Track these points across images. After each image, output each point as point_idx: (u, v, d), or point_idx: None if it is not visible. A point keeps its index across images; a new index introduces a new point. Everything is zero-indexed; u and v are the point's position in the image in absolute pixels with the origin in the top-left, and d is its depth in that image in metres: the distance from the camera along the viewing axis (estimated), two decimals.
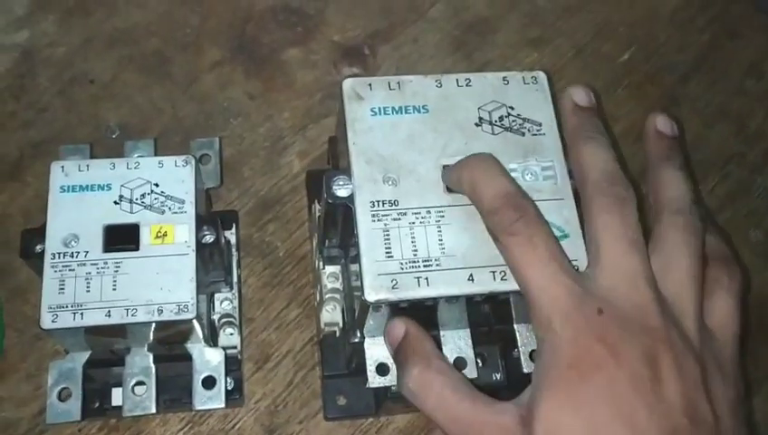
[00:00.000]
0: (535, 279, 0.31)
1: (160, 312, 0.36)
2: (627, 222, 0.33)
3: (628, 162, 0.55)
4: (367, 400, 0.43)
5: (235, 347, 0.44)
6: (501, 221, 0.32)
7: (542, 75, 0.39)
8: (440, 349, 0.39)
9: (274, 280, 0.49)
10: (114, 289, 0.36)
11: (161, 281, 0.37)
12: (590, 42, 0.61)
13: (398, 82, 0.38)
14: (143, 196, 0.39)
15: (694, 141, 0.58)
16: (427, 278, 0.34)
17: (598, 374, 0.29)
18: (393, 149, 0.36)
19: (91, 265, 0.37)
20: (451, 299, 0.34)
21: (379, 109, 0.37)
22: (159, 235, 0.38)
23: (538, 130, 0.37)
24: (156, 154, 0.43)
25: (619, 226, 0.32)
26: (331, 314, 0.43)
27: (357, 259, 0.36)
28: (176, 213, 0.38)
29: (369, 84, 0.38)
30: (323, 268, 0.42)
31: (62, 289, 0.36)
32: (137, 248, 0.38)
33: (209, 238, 0.38)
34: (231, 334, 0.44)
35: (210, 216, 0.42)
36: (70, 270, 0.37)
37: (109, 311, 0.36)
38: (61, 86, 0.54)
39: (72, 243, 0.37)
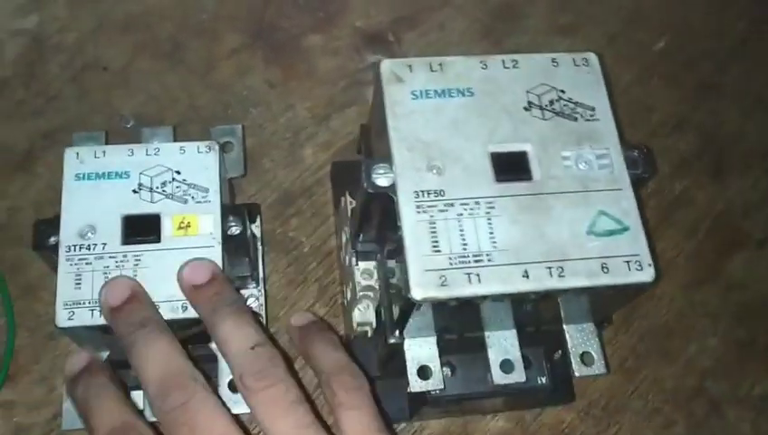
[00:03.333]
0: None
1: (184, 308, 0.34)
2: (200, 430, 0.30)
3: (666, 153, 0.53)
4: (400, 404, 0.41)
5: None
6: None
7: (593, 57, 0.36)
8: (485, 350, 0.37)
9: (299, 277, 0.47)
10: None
11: None
12: (623, 29, 0.58)
13: (440, 64, 0.35)
14: (164, 184, 0.36)
15: (733, 132, 0.55)
16: (478, 275, 0.31)
17: None
18: (437, 135, 0.34)
19: (110, 258, 0.34)
20: (503, 297, 0.32)
21: (421, 92, 0.34)
22: (182, 226, 0.35)
23: (591, 116, 0.35)
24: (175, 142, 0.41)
25: None
26: (364, 314, 0.40)
27: (398, 254, 0.33)
28: (199, 202, 0.36)
29: (409, 66, 0.35)
30: (356, 265, 0.39)
31: (79, 284, 0.34)
32: (158, 240, 0.35)
33: (236, 230, 0.36)
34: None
35: (235, 206, 0.39)
36: (86, 264, 0.34)
37: None
38: (72, 73, 0.51)
39: (89, 235, 0.35)
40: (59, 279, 0.34)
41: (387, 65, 0.35)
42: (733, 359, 0.49)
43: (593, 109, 0.35)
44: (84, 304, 0.33)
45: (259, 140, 0.50)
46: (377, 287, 0.39)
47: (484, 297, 0.31)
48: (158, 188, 0.36)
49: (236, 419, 0.31)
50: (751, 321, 0.50)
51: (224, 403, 0.31)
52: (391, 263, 0.38)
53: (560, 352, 0.41)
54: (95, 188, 0.36)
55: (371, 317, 0.40)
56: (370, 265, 0.40)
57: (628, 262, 0.32)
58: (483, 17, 0.57)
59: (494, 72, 0.35)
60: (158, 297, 0.34)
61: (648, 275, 0.32)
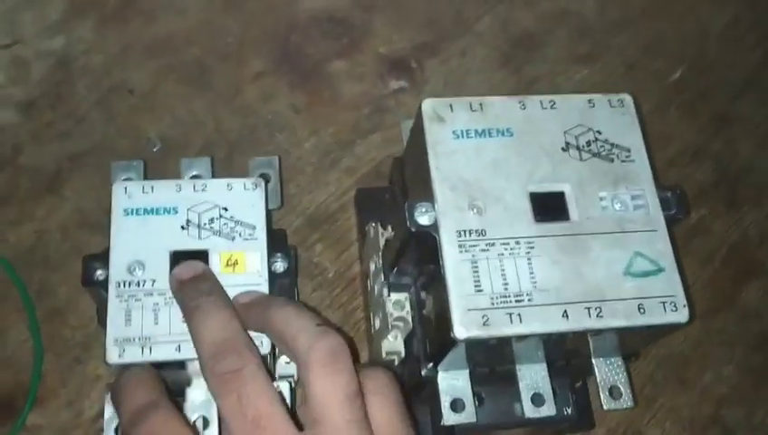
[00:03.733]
0: None
1: None
2: (246, 399, 0.30)
3: (683, 183, 0.54)
4: (428, 433, 0.41)
5: (291, 376, 0.41)
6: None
7: (628, 99, 0.37)
8: (514, 382, 0.37)
9: (323, 303, 0.47)
10: (185, 321, 0.34)
11: None
12: (640, 58, 0.59)
13: (480, 104, 0.36)
14: (211, 220, 0.37)
15: (748, 163, 0.56)
16: (519, 314, 0.32)
17: None
18: (478, 175, 0.34)
19: (159, 295, 0.35)
20: (543, 337, 0.32)
21: (462, 131, 0.35)
22: (230, 263, 0.36)
23: (627, 157, 0.35)
24: (213, 173, 0.41)
25: (236, 404, 0.30)
26: (393, 343, 0.41)
27: (431, 286, 0.34)
28: (246, 239, 0.36)
29: (450, 105, 0.36)
30: (388, 296, 0.40)
31: (129, 321, 0.34)
32: None
33: (281, 267, 0.36)
34: (288, 363, 0.41)
35: (280, 242, 0.39)
36: (136, 300, 0.35)
37: (179, 345, 0.34)
38: (99, 95, 0.51)
39: (138, 271, 0.35)
40: (109, 315, 0.34)
41: (428, 105, 0.35)
42: (748, 387, 0.49)
43: (629, 150, 0.36)
44: (135, 340, 0.34)
45: (284, 166, 0.51)
46: (407, 318, 0.40)
47: (525, 337, 0.32)
48: (205, 224, 0.37)
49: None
50: (766, 349, 0.51)
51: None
52: (423, 294, 0.39)
53: (581, 381, 0.42)
54: (144, 224, 0.36)
55: (400, 347, 0.40)
56: (402, 296, 0.40)
57: (663, 303, 0.33)
58: (502, 45, 0.58)
59: (533, 112, 0.36)
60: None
61: (683, 315, 0.33)
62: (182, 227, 0.36)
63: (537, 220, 0.34)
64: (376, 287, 0.42)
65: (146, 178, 0.40)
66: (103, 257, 0.36)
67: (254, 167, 0.42)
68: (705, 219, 0.54)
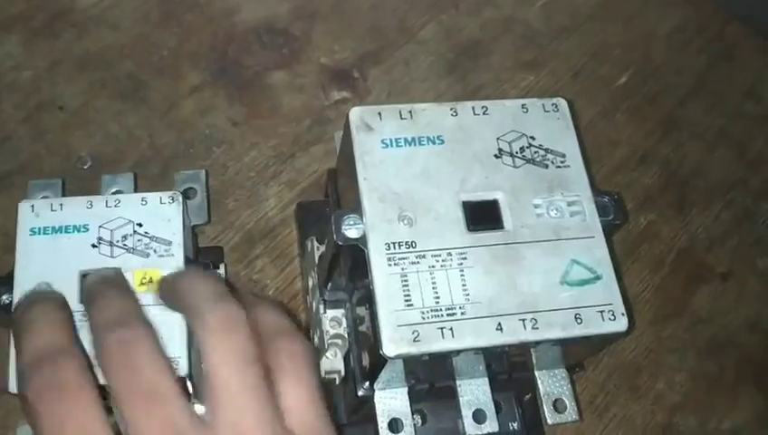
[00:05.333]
0: None
1: None
2: (136, 370, 0.26)
3: (631, 188, 0.54)
4: None
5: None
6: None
7: (563, 102, 0.36)
8: (456, 398, 0.36)
9: None
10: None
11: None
12: (586, 64, 0.58)
13: (410, 111, 0.35)
14: (125, 237, 0.35)
15: (696, 167, 0.56)
16: (451, 329, 0.30)
17: None
18: (408, 185, 0.33)
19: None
20: (477, 351, 0.31)
21: (391, 140, 0.34)
22: (144, 281, 0.34)
23: (562, 162, 0.34)
24: (136, 189, 0.40)
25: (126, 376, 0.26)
26: (332, 361, 0.39)
27: (367, 302, 0.33)
28: (162, 256, 0.34)
29: (379, 113, 0.34)
30: (324, 312, 0.39)
31: None
32: None
33: None
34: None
35: (200, 257, 0.38)
36: None
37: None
38: (26, 113, 0.49)
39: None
40: (12, 342, 0.32)
41: (356, 113, 0.34)
42: (701, 393, 0.49)
43: (564, 155, 0.35)
44: None
45: (222, 180, 0.49)
46: (345, 335, 0.39)
47: (458, 352, 0.31)
48: (118, 241, 0.35)
49: None
50: (717, 355, 0.50)
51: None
52: (360, 310, 0.37)
53: (530, 394, 0.41)
54: (52, 244, 0.34)
55: (340, 365, 0.39)
56: (338, 312, 0.39)
57: (601, 312, 0.32)
58: (447, 53, 0.57)
59: (465, 119, 0.35)
60: None
61: (621, 324, 0.32)
62: (93, 246, 0.34)
63: (470, 230, 0.32)
64: (314, 304, 0.41)
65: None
66: (9, 280, 0.33)
67: (180, 181, 0.40)
68: (654, 224, 0.53)
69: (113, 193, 0.37)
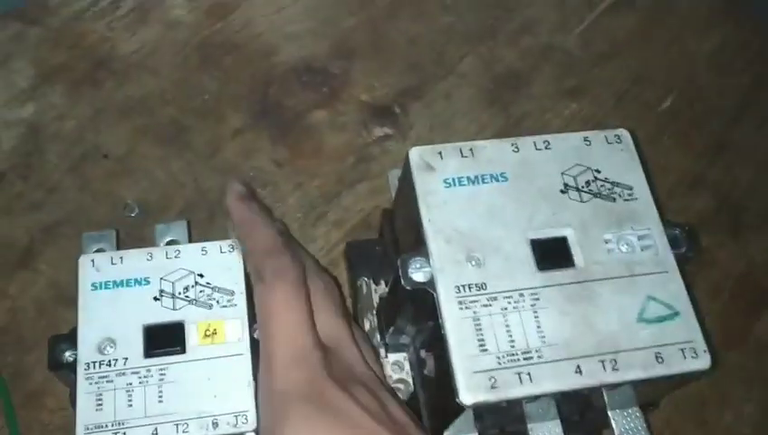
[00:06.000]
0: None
1: (215, 425, 0.31)
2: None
3: (684, 214, 0.52)
4: None
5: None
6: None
7: (625, 134, 0.35)
8: None
9: None
10: (161, 401, 0.32)
11: (214, 388, 0.32)
12: (628, 90, 0.57)
13: (471, 149, 0.34)
14: (186, 289, 0.34)
15: (748, 189, 0.54)
16: (529, 374, 0.29)
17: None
18: (473, 224, 0.32)
19: (132, 373, 0.32)
20: (556, 395, 0.30)
21: (454, 179, 0.33)
22: (208, 333, 0.33)
23: (630, 195, 0.33)
24: (190, 237, 0.39)
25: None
26: None
27: (434, 348, 0.32)
28: (225, 307, 0.34)
29: (440, 152, 0.34)
30: (386, 356, 0.38)
31: (100, 405, 0.31)
32: (183, 351, 0.33)
33: None
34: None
35: None
36: (108, 381, 0.32)
37: (156, 429, 0.31)
38: (72, 163, 0.49)
39: (108, 349, 0.33)
40: (78, 400, 0.31)
41: (416, 153, 0.33)
42: None
43: (631, 188, 0.34)
44: (107, 427, 0.31)
45: None
46: (408, 380, 0.38)
47: (537, 397, 0.29)
48: (180, 293, 0.34)
49: None
50: None
51: None
52: (424, 353, 0.36)
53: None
54: (114, 298, 0.34)
55: None
56: (401, 356, 0.38)
57: (682, 349, 0.31)
58: (487, 85, 0.56)
59: (527, 154, 0.34)
60: (188, 414, 0.31)
61: (704, 362, 0.31)
62: (155, 299, 0.34)
63: (540, 269, 0.31)
64: None
65: (122, 247, 0.37)
66: (71, 338, 0.33)
67: (233, 228, 0.39)
68: (710, 250, 0.52)
69: (168, 242, 0.37)
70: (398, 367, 0.38)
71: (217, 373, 0.32)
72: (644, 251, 0.32)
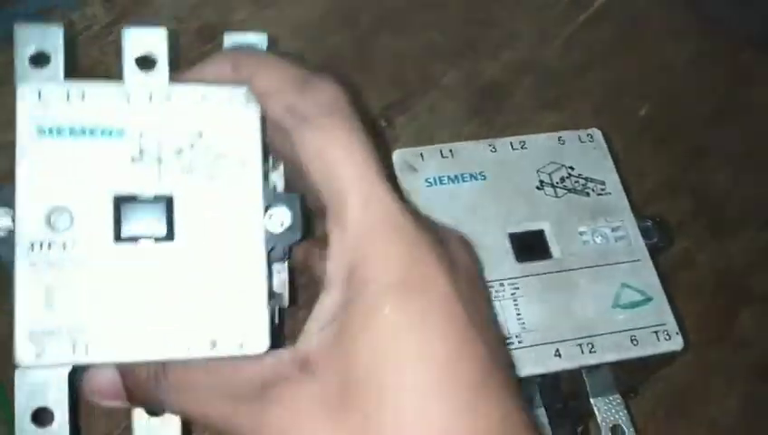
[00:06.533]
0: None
1: (213, 345, 0.23)
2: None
3: (666, 215, 0.54)
4: None
5: None
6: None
7: (597, 133, 0.37)
8: None
9: None
10: (135, 305, 0.23)
11: (212, 291, 0.23)
12: (606, 98, 0.60)
13: (451, 150, 0.36)
14: (179, 152, 0.24)
15: (727, 191, 0.56)
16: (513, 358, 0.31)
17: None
18: (455, 221, 0.33)
19: (97, 261, 0.23)
20: (535, 378, 0.31)
21: (435, 179, 0.35)
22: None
23: (602, 190, 0.35)
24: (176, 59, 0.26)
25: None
26: None
27: None
28: (232, 176, 0.24)
29: (421, 154, 0.36)
30: None
31: (51, 301, 0.22)
32: (171, 237, 0.23)
33: (286, 220, 0.24)
34: None
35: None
36: (61, 270, 0.22)
37: (129, 344, 0.22)
38: None
39: (60, 222, 0.23)
40: (17, 293, 0.22)
41: (399, 155, 0.35)
42: (753, 418, 0.48)
43: (603, 183, 0.35)
44: (59, 332, 0.22)
45: None
46: None
47: (519, 380, 0.31)
48: (169, 158, 0.24)
49: None
50: (766, 376, 0.50)
51: None
52: None
53: (582, 426, 0.41)
54: (69, 151, 0.23)
55: None
56: None
57: (656, 332, 0.32)
58: (470, 97, 0.58)
59: (504, 154, 0.36)
60: (171, 325, 0.23)
61: (676, 343, 0.32)
62: (133, 160, 0.24)
63: (519, 261, 0.33)
64: None
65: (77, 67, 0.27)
66: (6, 199, 0.22)
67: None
68: (690, 251, 0.54)
69: (141, 60, 0.25)
70: None
71: (219, 273, 0.24)
72: (617, 242, 0.34)
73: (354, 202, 0.22)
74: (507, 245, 0.33)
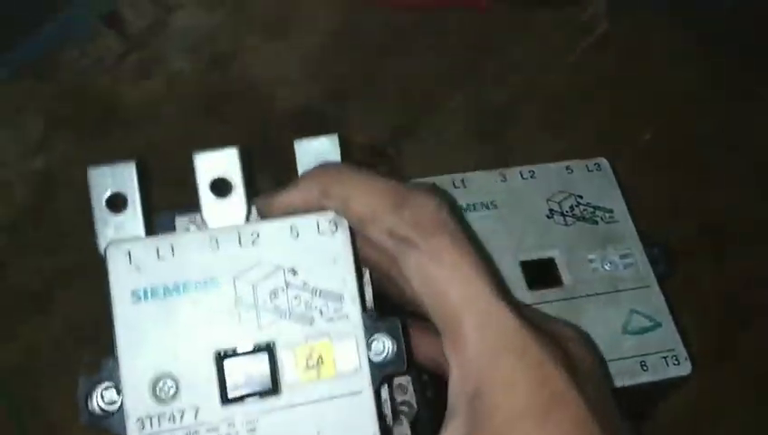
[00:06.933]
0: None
1: None
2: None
3: (670, 238, 0.55)
4: None
5: None
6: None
7: (604, 162, 0.38)
8: None
9: None
10: None
11: None
12: (611, 123, 0.61)
13: (462, 180, 0.37)
14: (274, 294, 0.23)
15: (730, 212, 0.57)
16: None
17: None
18: None
19: (207, 431, 0.22)
20: None
21: None
22: (311, 363, 0.23)
23: (611, 218, 0.36)
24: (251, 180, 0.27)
25: None
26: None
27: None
28: (332, 320, 0.23)
29: (434, 184, 0.36)
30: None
31: None
32: (276, 391, 0.23)
33: (388, 349, 0.23)
34: None
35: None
36: None
37: None
38: (83, 208, 0.52)
39: (166, 390, 0.22)
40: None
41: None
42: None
43: (611, 211, 0.36)
44: None
45: None
46: (412, 402, 0.39)
47: None
48: (266, 302, 0.23)
49: None
50: None
51: None
52: (426, 376, 0.38)
53: None
54: (167, 311, 0.23)
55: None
56: (404, 379, 0.40)
57: (665, 357, 0.33)
58: (476, 120, 0.59)
59: (514, 183, 0.37)
60: None
61: (685, 368, 0.33)
62: (229, 309, 0.23)
63: (531, 288, 0.34)
64: None
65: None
66: (110, 373, 0.22)
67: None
68: (694, 273, 0.54)
69: (215, 183, 0.25)
70: (401, 390, 0.40)
71: (328, 423, 0.23)
72: (626, 269, 0.35)
73: (469, 325, 0.22)
74: (519, 273, 0.34)
